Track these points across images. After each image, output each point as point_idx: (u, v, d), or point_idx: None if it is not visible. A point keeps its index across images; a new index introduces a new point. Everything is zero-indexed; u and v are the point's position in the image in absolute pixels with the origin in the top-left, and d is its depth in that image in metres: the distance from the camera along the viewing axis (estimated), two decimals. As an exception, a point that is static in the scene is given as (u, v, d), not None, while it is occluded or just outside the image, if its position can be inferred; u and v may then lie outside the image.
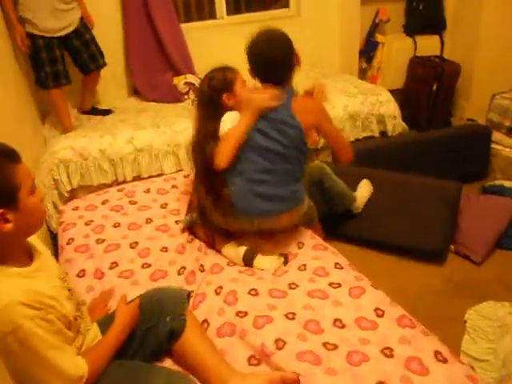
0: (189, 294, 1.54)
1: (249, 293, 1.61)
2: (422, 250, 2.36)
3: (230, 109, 1.84)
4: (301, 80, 3.42)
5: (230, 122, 1.80)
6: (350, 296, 1.57)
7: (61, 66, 2.69)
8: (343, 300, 1.55)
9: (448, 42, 3.86)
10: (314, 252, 1.85)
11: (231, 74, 1.88)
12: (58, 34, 2.65)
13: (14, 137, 2.26)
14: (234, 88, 1.85)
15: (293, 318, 1.48)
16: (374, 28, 3.90)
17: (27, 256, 1.17)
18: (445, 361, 1.30)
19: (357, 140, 2.96)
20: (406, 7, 3.98)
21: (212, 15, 3.71)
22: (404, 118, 3.16)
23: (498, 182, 2.89)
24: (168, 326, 1.37)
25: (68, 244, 2.01)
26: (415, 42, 3.87)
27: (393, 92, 3.86)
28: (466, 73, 3.65)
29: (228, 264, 1.83)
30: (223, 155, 1.74)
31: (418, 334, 1.40)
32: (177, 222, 2.10)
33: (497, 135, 3.19)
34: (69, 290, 1.23)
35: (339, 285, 1.63)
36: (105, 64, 2.99)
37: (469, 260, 2.37)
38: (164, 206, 2.21)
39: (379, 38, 3.88)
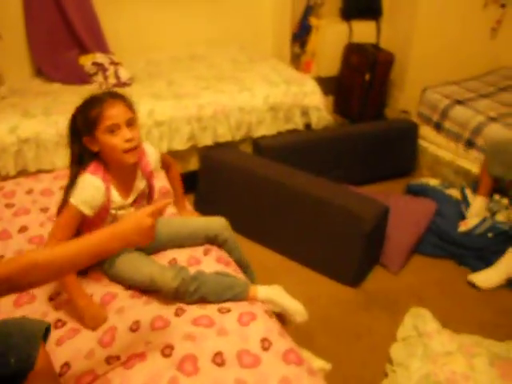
0: (48, 329, 1.30)
1: (130, 328, 1.36)
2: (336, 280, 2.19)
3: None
4: (226, 63, 3.20)
5: None
6: (238, 323, 1.38)
7: None
8: (230, 327, 1.35)
9: (384, 29, 3.70)
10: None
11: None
12: None
13: None
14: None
15: (169, 355, 1.28)
16: (309, 10, 3.67)
17: None
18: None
19: (279, 133, 2.74)
20: (342, -11, 3.77)
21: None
22: (338, 109, 2.96)
23: (423, 180, 2.79)
24: (11, 370, 1.13)
25: None
26: (351, 28, 3.68)
27: (328, 80, 3.69)
28: (400, 63, 3.51)
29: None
30: None
31: (303, 374, 1.24)
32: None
33: (425, 130, 3.08)
34: None
35: (228, 310, 1.43)
36: None
37: (386, 268, 2.25)
38: (45, 210, 1.91)
39: (313, 21, 3.66)
